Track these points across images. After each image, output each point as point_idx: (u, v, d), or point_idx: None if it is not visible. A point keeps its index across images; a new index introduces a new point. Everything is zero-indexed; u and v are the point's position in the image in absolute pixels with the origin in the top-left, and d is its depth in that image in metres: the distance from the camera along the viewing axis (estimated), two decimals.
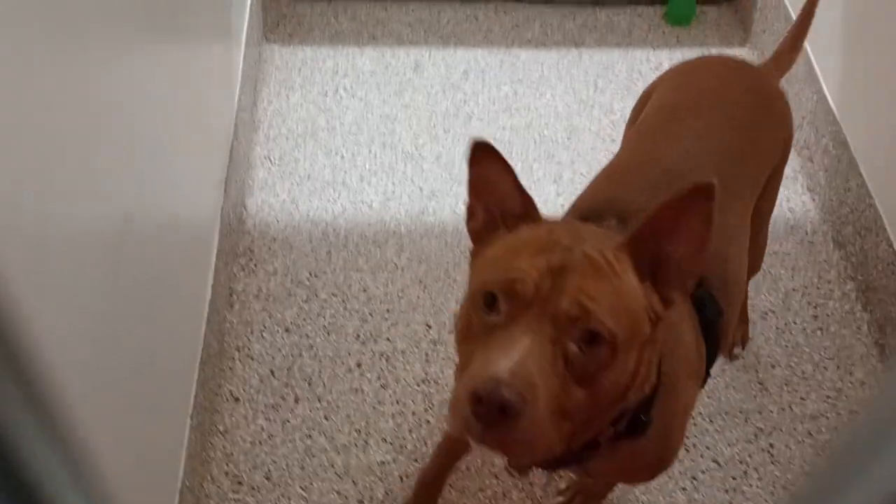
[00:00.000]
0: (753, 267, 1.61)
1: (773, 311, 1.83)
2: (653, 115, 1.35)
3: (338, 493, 1.55)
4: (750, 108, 1.30)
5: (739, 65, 1.44)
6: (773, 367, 1.73)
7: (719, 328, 1.13)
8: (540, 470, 1.14)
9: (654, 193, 1.08)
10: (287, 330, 1.77)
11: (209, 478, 1.56)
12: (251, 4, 2.19)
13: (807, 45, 2.15)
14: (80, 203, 1.00)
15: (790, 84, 2.07)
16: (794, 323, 1.80)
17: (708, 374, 1.16)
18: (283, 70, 2.31)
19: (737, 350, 1.74)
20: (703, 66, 1.43)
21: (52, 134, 0.92)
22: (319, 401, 1.66)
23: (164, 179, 1.39)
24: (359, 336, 1.76)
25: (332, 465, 1.58)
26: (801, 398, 1.69)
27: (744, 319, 1.75)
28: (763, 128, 1.31)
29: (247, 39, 2.13)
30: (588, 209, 1.15)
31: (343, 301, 1.82)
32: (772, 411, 1.67)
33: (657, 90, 1.41)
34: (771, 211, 1.49)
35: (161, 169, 1.36)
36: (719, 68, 1.40)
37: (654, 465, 1.13)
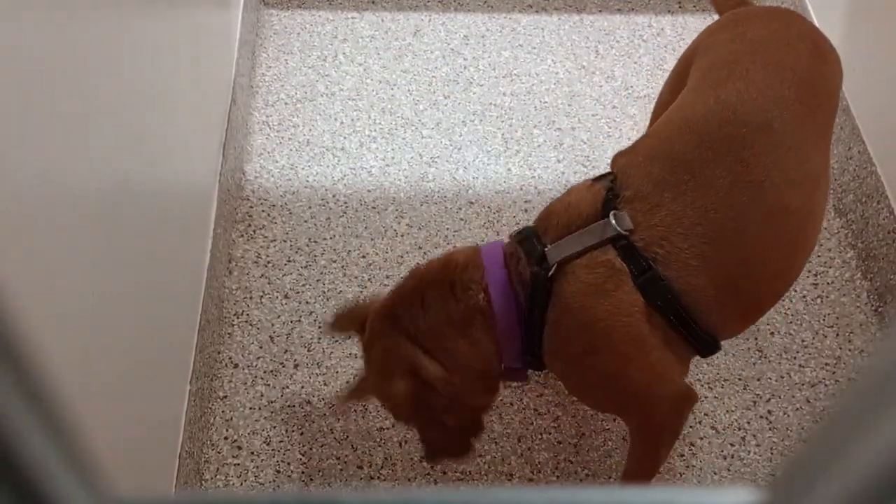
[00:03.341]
0: None
1: None
2: (710, 70, 1.25)
3: (337, 458, 1.55)
4: (807, 56, 1.22)
5: (782, 12, 1.36)
6: (772, 334, 1.73)
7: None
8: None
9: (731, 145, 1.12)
10: (286, 296, 1.77)
11: (209, 443, 1.56)
12: None
13: (810, 8, 2.13)
14: (76, 168, 0.99)
15: None
16: (794, 291, 1.80)
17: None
18: (281, 35, 2.29)
19: None
20: (747, 17, 1.34)
21: (47, 98, 0.91)
22: (318, 367, 1.67)
23: (162, 145, 1.38)
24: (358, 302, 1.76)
25: (332, 431, 1.58)
26: (801, 366, 1.69)
27: None
28: (822, 76, 1.23)
29: (244, 4, 2.11)
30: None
31: (342, 267, 1.81)
32: (770, 378, 1.67)
33: (703, 46, 1.33)
34: None
35: (158, 135, 1.35)
36: (765, 18, 1.31)
37: None
